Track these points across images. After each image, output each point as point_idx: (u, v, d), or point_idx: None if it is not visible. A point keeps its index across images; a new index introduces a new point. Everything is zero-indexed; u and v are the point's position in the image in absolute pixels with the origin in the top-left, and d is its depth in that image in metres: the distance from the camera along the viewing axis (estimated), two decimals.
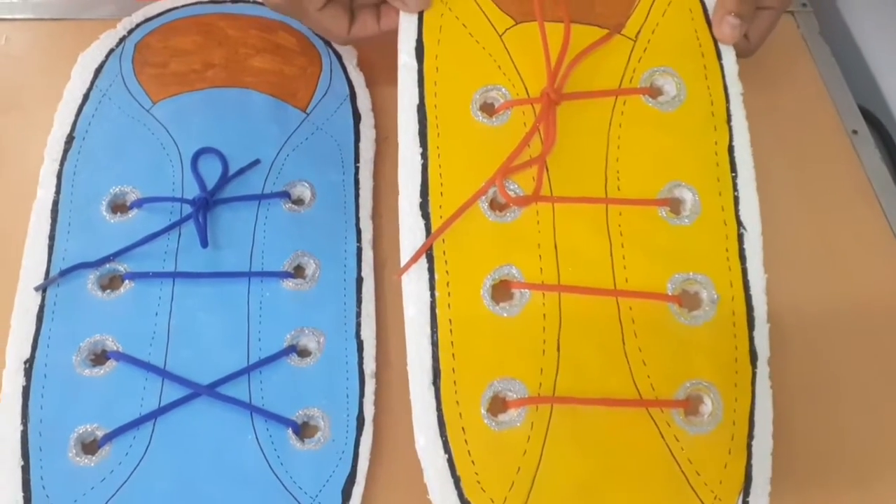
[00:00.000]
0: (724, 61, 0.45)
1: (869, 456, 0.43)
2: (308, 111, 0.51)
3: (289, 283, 0.44)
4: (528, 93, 0.43)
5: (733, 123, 0.44)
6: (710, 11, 0.46)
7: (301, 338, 0.43)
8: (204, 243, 0.44)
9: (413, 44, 0.44)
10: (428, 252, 0.40)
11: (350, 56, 0.54)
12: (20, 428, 0.39)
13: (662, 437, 0.38)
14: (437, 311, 0.39)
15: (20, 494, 0.38)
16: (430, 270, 0.40)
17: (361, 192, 0.48)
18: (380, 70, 0.54)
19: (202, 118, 0.49)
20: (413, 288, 0.40)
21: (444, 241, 0.40)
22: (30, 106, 0.51)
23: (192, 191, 0.46)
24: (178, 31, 0.52)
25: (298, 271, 0.45)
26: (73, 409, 0.40)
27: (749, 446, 0.39)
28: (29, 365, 0.41)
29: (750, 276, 0.42)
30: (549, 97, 0.41)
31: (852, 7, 0.65)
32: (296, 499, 0.39)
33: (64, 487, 0.38)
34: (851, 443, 0.44)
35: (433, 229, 0.40)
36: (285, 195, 0.47)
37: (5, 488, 0.38)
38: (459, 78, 0.43)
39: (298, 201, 0.47)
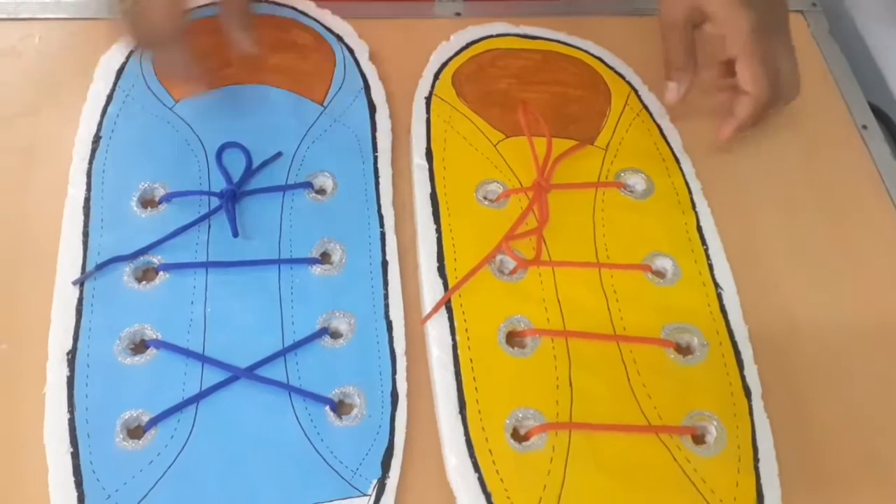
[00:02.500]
0: (683, 165, 0.53)
1: (888, 455, 0.44)
2: (325, 104, 0.52)
3: (317, 269, 0.46)
4: (521, 185, 0.50)
5: (698, 209, 0.51)
6: (664, 131, 0.54)
7: (333, 320, 0.44)
8: (234, 233, 0.46)
9: (423, 151, 0.51)
10: (447, 305, 0.45)
11: (362, 50, 0.55)
12: (67, 416, 0.41)
13: (675, 459, 0.41)
14: (458, 352, 0.44)
15: (71, 479, 0.39)
16: (451, 319, 0.45)
17: (381, 180, 0.50)
18: (392, 63, 0.55)
19: (224, 114, 0.51)
20: (436, 333, 0.45)
21: (460, 295, 0.46)
22: (63, 104, 0.52)
23: (218, 184, 0.48)
24: (195, 32, 0.54)
25: (325, 257, 0.47)
26: (118, 396, 0.41)
27: (756, 468, 0.42)
28: (72, 356, 0.42)
29: (733, 327, 0.47)
30: (541, 185, 0.49)
31: (861, 6, 0.67)
32: (337, 472, 0.40)
33: (113, 471, 0.39)
34: (867, 432, 0.44)
35: (450, 286, 0.46)
36: (308, 185, 0.49)
37: (57, 473, 0.39)
38: (463, 173, 0.51)
39: (321, 191, 0.49)
